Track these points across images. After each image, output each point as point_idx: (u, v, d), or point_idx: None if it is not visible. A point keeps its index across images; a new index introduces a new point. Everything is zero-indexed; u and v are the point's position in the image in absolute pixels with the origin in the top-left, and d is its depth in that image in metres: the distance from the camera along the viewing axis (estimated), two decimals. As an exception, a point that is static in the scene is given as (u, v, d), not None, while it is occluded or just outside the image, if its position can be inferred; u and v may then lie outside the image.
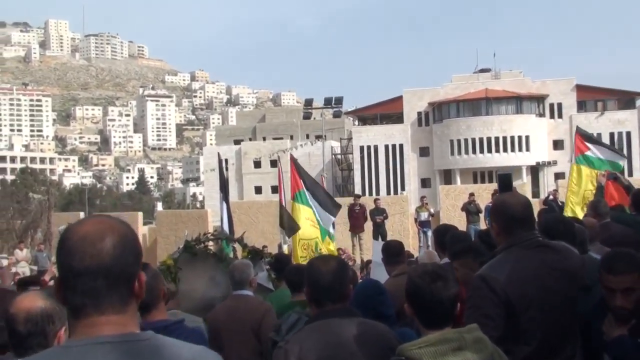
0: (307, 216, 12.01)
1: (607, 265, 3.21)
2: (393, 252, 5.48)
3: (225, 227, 10.60)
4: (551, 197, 20.36)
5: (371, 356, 2.77)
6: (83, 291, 1.61)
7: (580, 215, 11.08)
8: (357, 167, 63.28)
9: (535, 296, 3.01)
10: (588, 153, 11.50)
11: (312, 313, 3.06)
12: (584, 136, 11.94)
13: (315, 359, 2.72)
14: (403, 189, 60.11)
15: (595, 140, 11.83)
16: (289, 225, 14.22)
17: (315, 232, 12.08)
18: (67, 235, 1.67)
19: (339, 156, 66.36)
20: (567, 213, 11.59)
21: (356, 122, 70.27)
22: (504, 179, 5.66)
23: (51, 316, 2.65)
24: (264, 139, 72.30)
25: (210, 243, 5.38)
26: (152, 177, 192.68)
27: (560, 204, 16.52)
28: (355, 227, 19.94)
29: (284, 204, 13.71)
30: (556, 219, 4.07)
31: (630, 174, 53.62)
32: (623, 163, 11.51)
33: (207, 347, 3.59)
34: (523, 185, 30.97)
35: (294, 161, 12.70)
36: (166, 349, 1.62)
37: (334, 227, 13.40)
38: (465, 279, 3.52)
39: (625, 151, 57.91)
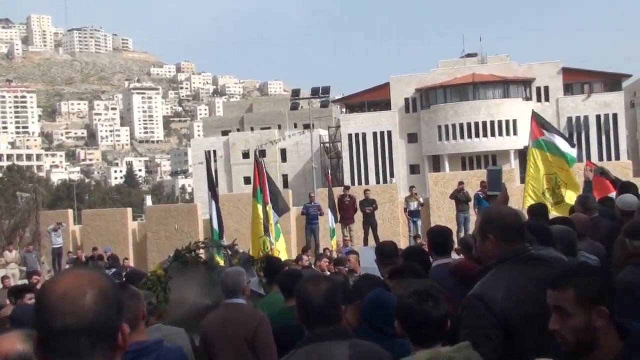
0: (260, 215, 12.12)
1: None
2: (387, 254, 5.45)
3: (216, 227, 10.52)
4: None
5: None
6: (65, 352, 1.56)
7: (540, 201, 11.09)
8: (346, 155, 63.30)
9: (534, 316, 2.93)
10: (543, 138, 11.43)
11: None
12: (538, 121, 11.82)
13: None
14: (392, 175, 60.18)
15: (550, 128, 11.71)
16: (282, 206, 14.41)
17: (262, 231, 12.20)
18: (45, 294, 1.61)
19: (327, 145, 66.33)
20: (527, 201, 11.52)
21: (344, 111, 70.22)
22: (494, 175, 5.59)
23: None
24: (252, 129, 72.16)
25: (201, 251, 5.33)
26: (140, 171, 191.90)
27: None
28: (346, 219, 19.94)
29: (268, 201, 13.72)
30: (545, 225, 4.05)
31: (617, 157, 53.98)
32: (575, 154, 11.41)
33: None
34: (512, 170, 31.03)
35: (257, 159, 12.62)
36: None
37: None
38: None
39: (612, 133, 58.27)
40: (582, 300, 2.25)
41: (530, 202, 11.52)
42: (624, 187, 6.92)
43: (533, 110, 12.59)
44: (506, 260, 3.09)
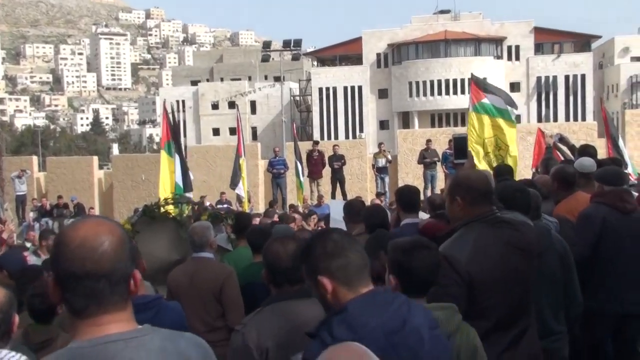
0: (172, 169, 11.73)
1: None
2: (355, 211, 5.54)
3: (179, 181, 10.36)
4: None
5: None
6: (85, 294, 1.66)
7: (483, 165, 11.20)
8: (315, 109, 63.04)
9: (497, 277, 3.05)
10: (484, 100, 11.41)
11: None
12: (478, 84, 11.80)
13: (273, 345, 2.73)
14: (362, 130, 60.23)
15: (490, 89, 11.70)
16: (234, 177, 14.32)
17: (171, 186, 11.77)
18: (64, 241, 1.69)
19: (297, 98, 65.92)
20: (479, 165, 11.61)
21: (315, 64, 69.64)
22: (459, 142, 5.69)
23: (12, 304, 2.74)
24: (222, 79, 71.23)
25: (171, 207, 5.33)
26: (107, 118, 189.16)
27: None
28: (314, 173, 20.01)
29: (242, 154, 13.61)
30: (513, 189, 4.13)
31: (584, 118, 54.68)
32: (514, 113, 11.43)
33: (185, 321, 3.73)
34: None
35: (166, 111, 12.15)
36: (167, 341, 1.73)
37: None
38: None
39: (579, 94, 58.89)
40: None
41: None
42: (583, 150, 7.08)
43: (472, 73, 12.53)
44: (472, 222, 3.19)
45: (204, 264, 4.60)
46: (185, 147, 28.28)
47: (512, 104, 11.08)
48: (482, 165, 10.88)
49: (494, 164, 10.73)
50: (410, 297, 2.38)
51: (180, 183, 10.75)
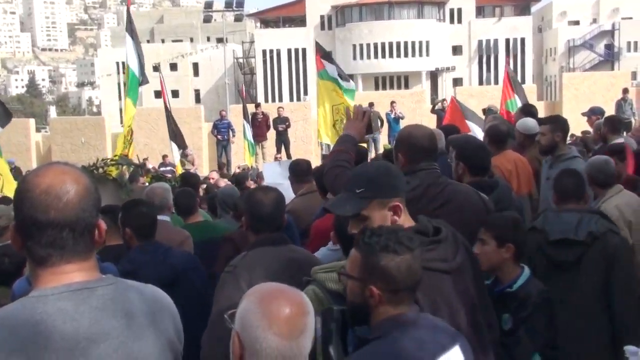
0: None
1: None
2: (301, 171, 5.56)
3: (136, 70, 9.41)
4: (439, 105, 20.68)
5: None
6: (48, 243, 1.62)
7: (329, 134, 11.29)
8: (259, 71, 62.39)
9: None
10: (326, 69, 11.34)
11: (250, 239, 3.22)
12: (320, 52, 11.86)
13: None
14: (306, 93, 60.00)
15: (330, 59, 11.78)
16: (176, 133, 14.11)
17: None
18: (27, 187, 1.63)
19: (241, 60, 65.08)
20: (320, 134, 11.64)
21: (258, 25, 68.71)
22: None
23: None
24: (163, 41, 69.61)
25: (111, 168, 5.19)
26: (43, 80, 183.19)
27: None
28: (258, 136, 19.87)
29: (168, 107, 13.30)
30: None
31: (523, 81, 55.71)
32: (351, 87, 11.50)
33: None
34: (422, 91, 31.59)
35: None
36: (131, 289, 1.72)
37: None
38: None
39: (519, 57, 59.89)
40: None
41: (322, 134, 11.65)
42: (526, 111, 7.22)
43: (316, 40, 12.67)
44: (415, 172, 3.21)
45: (162, 227, 4.45)
46: (126, 109, 27.68)
47: (346, 79, 11.13)
48: (328, 132, 10.93)
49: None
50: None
51: (138, 73, 9.65)
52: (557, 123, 5.43)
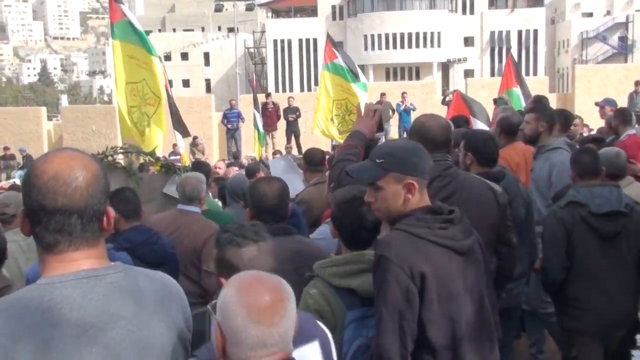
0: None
1: None
2: (315, 161, 5.58)
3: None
4: (450, 97, 20.57)
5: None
6: (56, 229, 1.61)
7: (326, 128, 11.12)
8: (270, 61, 62.32)
9: None
10: (336, 61, 10.94)
11: None
12: (332, 43, 11.26)
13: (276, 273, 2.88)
14: (316, 84, 59.77)
15: (343, 53, 11.44)
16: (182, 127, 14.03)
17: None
18: (35, 174, 1.62)
19: (252, 50, 65.03)
20: (314, 128, 11.39)
21: (269, 15, 68.58)
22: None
23: None
24: (174, 30, 69.71)
25: (120, 156, 5.18)
26: (55, 69, 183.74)
27: None
28: (268, 125, 19.84)
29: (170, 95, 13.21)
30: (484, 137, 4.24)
31: (535, 73, 55.39)
32: (364, 80, 11.21)
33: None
34: (433, 83, 31.48)
35: None
36: (140, 276, 1.71)
37: None
38: None
39: (531, 49, 59.51)
40: None
41: (317, 129, 11.47)
42: (538, 101, 7.18)
43: (328, 32, 12.35)
44: None
45: (191, 218, 4.43)
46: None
47: (356, 74, 10.92)
48: (326, 127, 10.78)
49: (343, 129, 10.61)
50: (349, 250, 2.70)
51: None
52: (543, 113, 5.38)
